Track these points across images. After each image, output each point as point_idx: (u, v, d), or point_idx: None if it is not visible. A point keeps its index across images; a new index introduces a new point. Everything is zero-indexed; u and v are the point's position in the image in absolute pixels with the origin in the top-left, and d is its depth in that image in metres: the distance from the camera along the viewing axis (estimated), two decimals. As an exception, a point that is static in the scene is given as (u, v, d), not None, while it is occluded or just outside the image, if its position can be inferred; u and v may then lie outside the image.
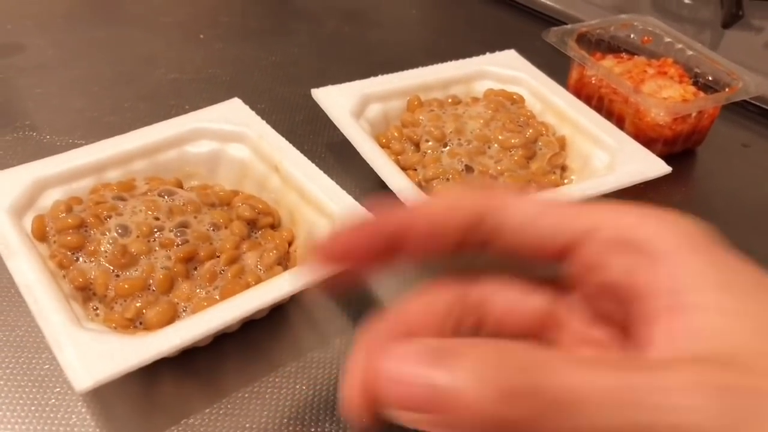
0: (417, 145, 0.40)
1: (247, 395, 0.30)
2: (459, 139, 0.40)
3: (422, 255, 0.23)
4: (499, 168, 0.39)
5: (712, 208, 0.43)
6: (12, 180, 0.33)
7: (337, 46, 0.57)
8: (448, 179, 0.38)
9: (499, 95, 0.44)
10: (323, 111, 0.40)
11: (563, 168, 0.41)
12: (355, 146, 0.38)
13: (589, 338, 0.22)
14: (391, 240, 0.22)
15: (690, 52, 0.48)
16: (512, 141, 0.40)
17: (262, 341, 0.32)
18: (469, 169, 0.38)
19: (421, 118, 0.41)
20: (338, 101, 0.41)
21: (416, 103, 0.43)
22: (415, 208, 0.23)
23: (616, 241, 0.20)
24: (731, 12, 0.61)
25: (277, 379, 0.30)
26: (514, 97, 0.44)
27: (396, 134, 0.41)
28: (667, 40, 0.49)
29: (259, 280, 0.31)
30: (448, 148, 0.39)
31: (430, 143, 0.40)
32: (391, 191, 0.35)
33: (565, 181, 0.41)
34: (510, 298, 0.23)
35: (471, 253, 0.23)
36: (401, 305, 0.23)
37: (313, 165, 0.35)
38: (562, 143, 0.41)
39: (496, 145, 0.40)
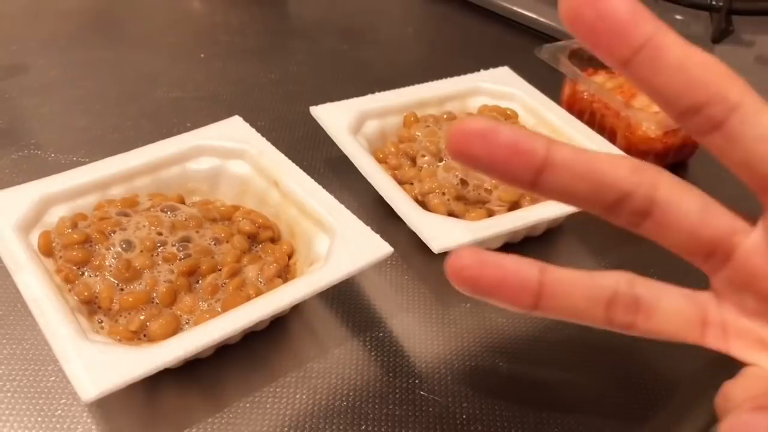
0: (413, 160, 0.41)
1: (248, 405, 0.30)
2: (454, 154, 0.41)
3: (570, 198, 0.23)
4: (493, 181, 0.39)
5: (703, 219, 0.43)
6: (19, 197, 0.34)
7: (335, 65, 0.58)
8: (443, 193, 0.39)
9: (493, 111, 0.45)
10: (322, 128, 0.41)
11: (556, 181, 0.42)
12: (353, 162, 0.39)
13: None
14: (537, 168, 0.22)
15: (680, 67, 0.49)
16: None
17: (263, 352, 0.33)
18: (464, 182, 0.39)
19: (417, 133, 0.42)
20: (336, 118, 0.42)
21: (412, 119, 0.44)
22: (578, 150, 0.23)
23: None
24: (721, 27, 0.62)
25: (277, 389, 0.31)
26: (508, 112, 0.45)
27: (393, 150, 0.42)
28: (658, 55, 0.50)
29: (259, 293, 0.32)
30: (443, 162, 0.40)
31: (426, 158, 0.41)
32: (388, 205, 0.36)
33: (559, 193, 0.41)
34: (688, 209, 0.23)
35: (624, 222, 0.23)
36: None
37: (312, 180, 0.36)
38: (555, 157, 0.42)
39: (490, 159, 0.40)
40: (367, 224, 0.33)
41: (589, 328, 0.26)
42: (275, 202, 0.37)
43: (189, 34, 0.62)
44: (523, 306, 0.24)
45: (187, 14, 0.65)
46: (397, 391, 0.31)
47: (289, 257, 0.35)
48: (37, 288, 0.29)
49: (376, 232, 0.33)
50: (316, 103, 0.42)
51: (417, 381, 0.32)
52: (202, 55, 0.58)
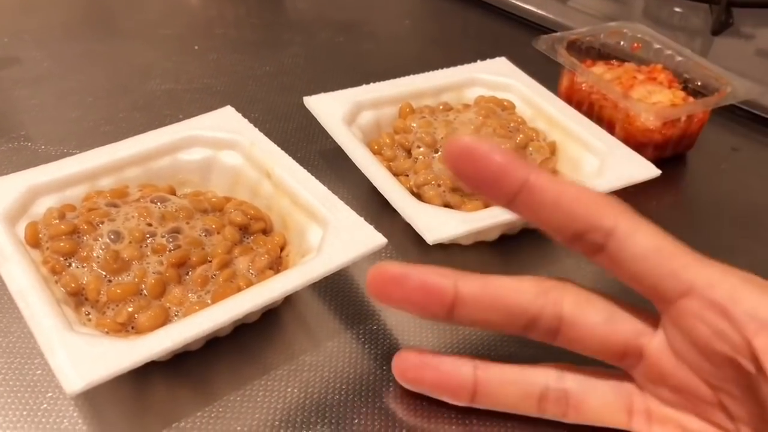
0: (409, 152, 0.41)
1: (238, 398, 0.30)
2: (450, 145, 0.40)
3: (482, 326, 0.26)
4: (490, 173, 0.39)
5: (702, 211, 0.43)
6: (5, 187, 0.33)
7: (331, 57, 0.57)
8: (439, 184, 0.38)
9: (489, 102, 0.44)
10: (316, 119, 0.41)
11: (554, 172, 0.41)
12: (347, 153, 0.38)
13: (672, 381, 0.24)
14: (448, 305, 0.25)
15: (679, 58, 0.48)
16: (503, 146, 0.40)
17: (254, 345, 0.32)
18: (460, 174, 0.38)
19: (412, 124, 0.42)
20: (330, 109, 0.41)
21: (408, 110, 0.43)
22: (480, 280, 0.25)
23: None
24: (721, 19, 0.61)
25: (268, 383, 0.31)
26: (505, 103, 0.44)
27: (388, 141, 0.41)
28: (657, 46, 0.50)
29: (250, 284, 0.31)
30: (439, 153, 0.40)
31: (421, 149, 0.40)
32: (383, 197, 0.36)
33: (556, 185, 0.41)
34: (594, 322, 0.25)
35: (540, 340, 0.26)
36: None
37: (305, 171, 0.36)
38: (552, 148, 0.42)
39: (486, 150, 0.40)
40: (362, 216, 0.33)
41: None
42: (267, 193, 0.37)
43: (183, 27, 0.61)
44: (461, 402, 0.27)
45: (182, 6, 0.65)
46: (391, 384, 0.31)
47: (282, 249, 0.35)
48: (23, 279, 0.29)
49: (371, 224, 0.32)
50: (311, 95, 0.42)
51: (411, 374, 0.31)
52: (196, 47, 0.57)
